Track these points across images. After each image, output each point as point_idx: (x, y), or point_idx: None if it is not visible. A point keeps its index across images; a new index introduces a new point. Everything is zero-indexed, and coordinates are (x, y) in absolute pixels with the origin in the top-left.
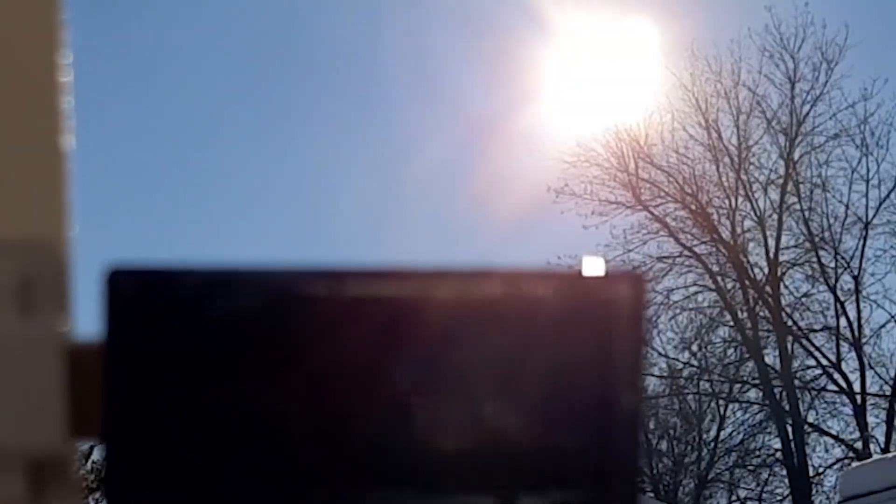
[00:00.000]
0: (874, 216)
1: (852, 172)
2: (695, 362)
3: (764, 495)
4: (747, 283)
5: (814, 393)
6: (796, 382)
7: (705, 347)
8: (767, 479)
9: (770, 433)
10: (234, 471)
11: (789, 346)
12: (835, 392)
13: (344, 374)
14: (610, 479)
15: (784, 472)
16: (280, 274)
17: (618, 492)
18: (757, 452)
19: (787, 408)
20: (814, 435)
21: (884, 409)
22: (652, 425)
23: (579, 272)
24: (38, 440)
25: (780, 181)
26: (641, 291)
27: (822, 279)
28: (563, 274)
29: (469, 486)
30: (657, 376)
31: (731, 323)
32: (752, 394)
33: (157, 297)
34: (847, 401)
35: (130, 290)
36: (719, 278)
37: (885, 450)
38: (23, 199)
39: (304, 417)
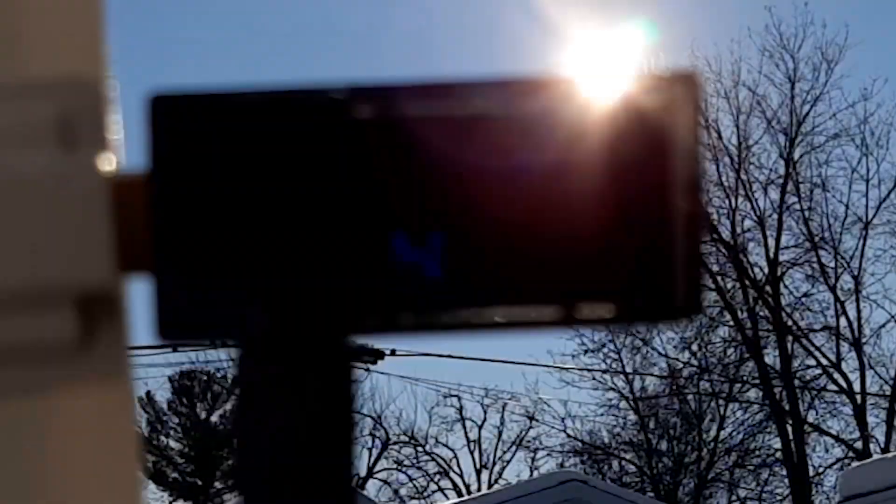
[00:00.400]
0: (874, 216)
1: (852, 172)
2: (695, 362)
3: (764, 495)
4: (747, 282)
5: (814, 393)
6: (796, 382)
7: (705, 347)
8: (767, 479)
9: (770, 433)
10: (287, 299)
11: (789, 345)
12: (835, 392)
13: (401, 196)
14: (671, 288)
15: (784, 472)
16: (330, 93)
17: (679, 299)
18: (757, 452)
19: (787, 408)
20: (814, 435)
21: (884, 408)
22: (651, 425)
23: (633, 75)
24: (86, 275)
25: (780, 181)
26: (696, 91)
27: (822, 279)
28: (616, 77)
29: (529, 297)
30: (657, 376)
31: (731, 323)
32: (752, 394)
33: (203, 121)
34: (847, 401)
35: (174, 115)
36: (719, 278)
37: (885, 450)
38: (59, 36)
39: (359, 243)
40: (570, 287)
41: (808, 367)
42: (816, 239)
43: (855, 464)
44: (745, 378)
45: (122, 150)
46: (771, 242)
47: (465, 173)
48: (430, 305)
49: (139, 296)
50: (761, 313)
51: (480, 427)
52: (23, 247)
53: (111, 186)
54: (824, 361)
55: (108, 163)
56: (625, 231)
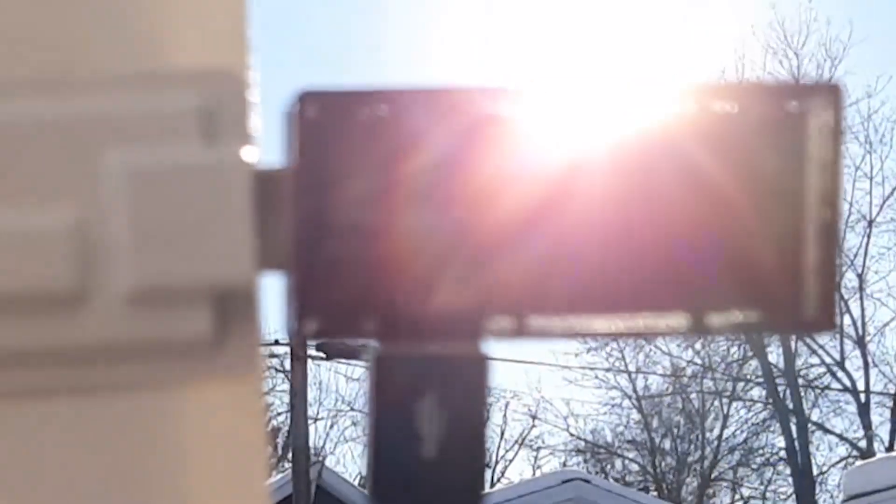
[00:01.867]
0: (878, 214)
1: (856, 170)
2: (698, 360)
3: (767, 494)
4: None
5: (818, 391)
6: (800, 381)
7: (709, 346)
8: (771, 478)
9: (774, 432)
10: (424, 296)
11: (793, 344)
12: (839, 390)
13: (534, 195)
14: (803, 300)
15: (788, 471)
16: (469, 93)
17: (812, 312)
18: (760, 451)
19: (790, 406)
20: (818, 433)
21: (888, 407)
22: (655, 424)
23: (771, 83)
24: (226, 272)
25: None
26: (839, 103)
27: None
28: (754, 85)
29: (659, 305)
30: (660, 375)
31: None
32: (756, 392)
33: (347, 119)
34: (851, 399)
35: (318, 112)
36: None
37: (890, 448)
38: (203, 26)
39: (495, 239)
40: (699, 296)
41: (812, 365)
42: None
43: (859, 462)
44: (748, 377)
45: (262, 144)
46: None
47: (601, 175)
48: (564, 311)
49: (272, 293)
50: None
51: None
52: (163, 241)
53: (253, 180)
54: (828, 360)
55: (250, 156)
56: (758, 240)
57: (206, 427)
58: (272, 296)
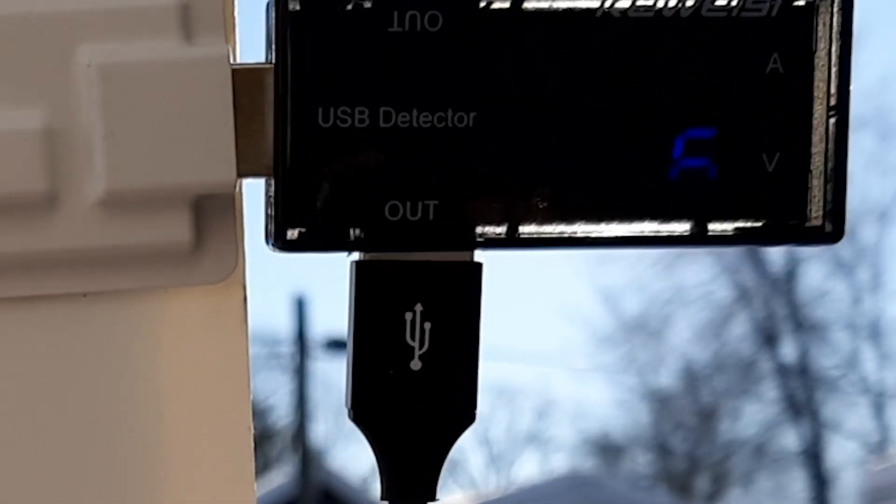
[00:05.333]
0: (893, 207)
1: (870, 162)
2: (710, 358)
3: (780, 492)
4: (763, 276)
5: (831, 388)
6: (813, 378)
7: (720, 343)
8: (783, 476)
9: (786, 429)
10: (419, 204)
11: (806, 340)
12: (852, 388)
13: (537, 98)
14: (810, 207)
15: (800, 469)
16: None
17: (818, 221)
18: (773, 449)
19: (803, 403)
20: (831, 431)
21: None
22: (666, 422)
23: None
24: (205, 175)
25: None
26: (846, 1)
27: (839, 272)
28: None
29: (658, 210)
30: (671, 373)
31: (747, 318)
32: (768, 390)
33: (331, 12)
34: (865, 396)
35: (302, 6)
36: (735, 272)
37: None
38: None
39: (494, 145)
40: (701, 202)
41: (826, 362)
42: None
43: (875, 461)
44: (760, 374)
45: (241, 40)
46: None
47: (603, 77)
48: (558, 218)
49: (255, 199)
50: (777, 308)
51: (490, 425)
52: (139, 142)
53: (233, 80)
54: (841, 356)
55: (230, 53)
56: (761, 143)
57: (186, 334)
58: (255, 202)
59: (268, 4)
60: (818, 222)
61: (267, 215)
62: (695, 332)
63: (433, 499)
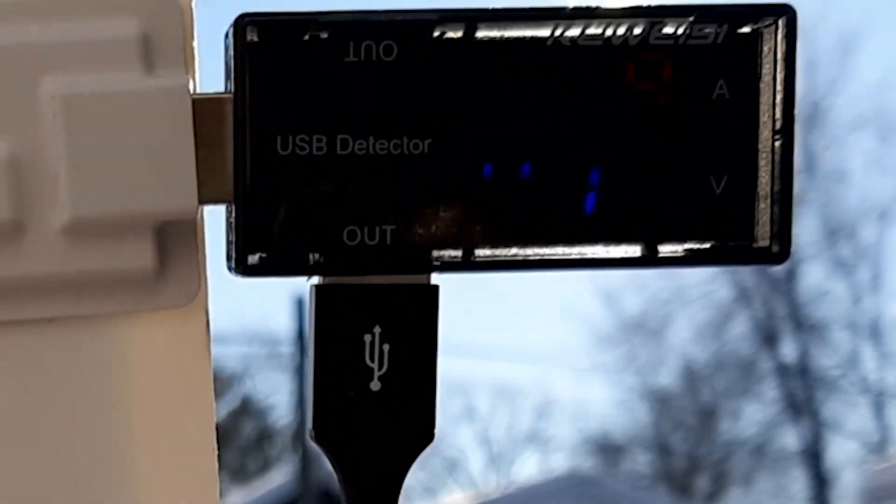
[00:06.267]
0: (893, 206)
1: (870, 162)
2: (710, 358)
3: (780, 492)
4: (763, 276)
5: (831, 388)
6: (813, 377)
7: (720, 342)
8: (783, 476)
9: (786, 429)
10: (377, 229)
11: (806, 340)
12: (853, 387)
13: (486, 121)
14: (757, 229)
15: (800, 469)
16: (416, 16)
17: (765, 242)
18: (773, 449)
19: (803, 403)
20: (831, 431)
21: None
22: (666, 422)
23: (722, 5)
24: (167, 203)
25: (797, 171)
26: (791, 25)
27: (839, 272)
28: (704, 7)
29: (611, 236)
30: (671, 372)
31: (747, 317)
32: (768, 389)
33: (289, 43)
34: (865, 396)
35: (258, 36)
36: (735, 272)
37: None
38: None
39: (449, 171)
40: (651, 225)
41: (826, 362)
42: (833, 231)
43: (876, 461)
44: (760, 374)
45: (201, 71)
46: None
47: (547, 103)
48: (514, 243)
49: (215, 226)
50: (778, 307)
51: (490, 424)
52: (102, 171)
53: (193, 108)
54: (842, 356)
55: (190, 83)
56: (708, 167)
57: (149, 360)
58: (216, 229)
59: (226, 35)
60: (765, 243)
61: (228, 241)
62: (695, 331)
63: None
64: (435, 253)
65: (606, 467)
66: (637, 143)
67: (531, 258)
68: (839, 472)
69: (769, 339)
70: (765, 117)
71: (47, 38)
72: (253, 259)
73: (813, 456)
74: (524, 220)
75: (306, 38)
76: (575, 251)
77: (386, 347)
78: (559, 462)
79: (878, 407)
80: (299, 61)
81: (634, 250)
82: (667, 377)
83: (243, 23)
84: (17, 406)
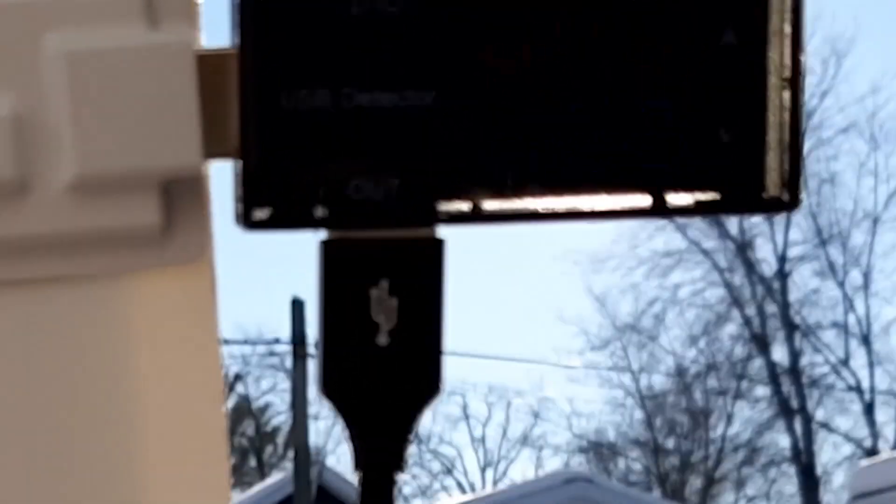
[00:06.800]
0: (883, 211)
1: (861, 167)
2: (702, 359)
3: (772, 493)
4: (755, 278)
5: (822, 390)
6: (805, 379)
7: (712, 344)
8: (775, 477)
9: (778, 431)
10: (382, 182)
11: (797, 342)
12: (843, 389)
13: (493, 75)
14: (766, 178)
15: (792, 470)
16: None
17: (775, 191)
18: (765, 450)
19: (795, 405)
20: (822, 432)
21: (893, 406)
22: (658, 423)
23: None
24: (172, 159)
25: None
26: None
27: (830, 275)
28: None
29: (619, 183)
30: (664, 373)
31: (739, 319)
32: (760, 391)
33: None
34: (856, 398)
35: None
36: (727, 274)
37: (895, 447)
38: None
39: (454, 122)
40: (659, 174)
41: (817, 364)
42: (825, 234)
43: (865, 461)
44: (752, 375)
45: (206, 26)
46: (779, 238)
47: (555, 50)
48: (521, 193)
49: (222, 181)
50: (769, 309)
51: (485, 425)
52: (106, 127)
53: (197, 64)
54: (833, 358)
55: (195, 39)
56: (717, 116)
57: (156, 317)
58: (222, 184)
59: None
60: (776, 192)
61: (234, 196)
62: (687, 333)
63: (402, 469)
64: (441, 206)
65: (599, 466)
66: (643, 91)
67: (539, 209)
68: (829, 472)
69: (761, 341)
70: (773, 66)
71: None
72: (259, 213)
73: (803, 456)
74: (530, 170)
75: None
76: (583, 201)
77: (393, 301)
78: (552, 461)
79: (869, 408)
80: (304, 15)
81: (643, 200)
82: (659, 378)
83: None
84: (22, 366)
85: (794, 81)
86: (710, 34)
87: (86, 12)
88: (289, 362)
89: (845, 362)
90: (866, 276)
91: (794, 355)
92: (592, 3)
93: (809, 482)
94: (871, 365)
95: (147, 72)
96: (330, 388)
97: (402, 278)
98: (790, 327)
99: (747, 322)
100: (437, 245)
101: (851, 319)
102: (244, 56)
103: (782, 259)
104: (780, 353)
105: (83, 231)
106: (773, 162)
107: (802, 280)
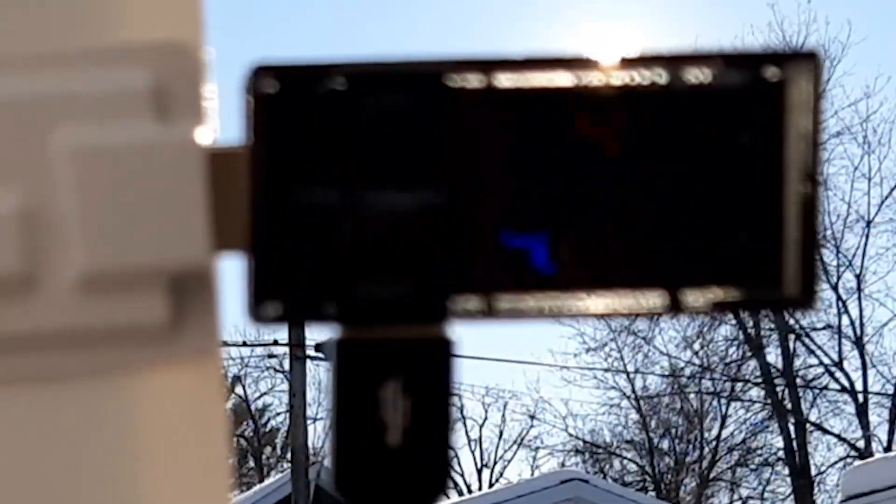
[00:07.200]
0: (876, 214)
1: (854, 170)
2: (697, 361)
3: (766, 494)
4: None
5: (816, 391)
6: (798, 381)
7: (707, 346)
8: (769, 478)
9: (772, 432)
10: (387, 278)
11: (791, 344)
12: (837, 391)
13: (507, 171)
14: (783, 276)
15: (786, 472)
16: (432, 65)
17: (792, 289)
18: (759, 451)
19: (789, 406)
20: (816, 434)
21: (886, 407)
22: (653, 424)
23: (747, 51)
24: (180, 254)
25: None
26: (818, 71)
27: (824, 277)
28: (729, 53)
29: (634, 283)
30: (659, 375)
31: (733, 321)
32: (754, 392)
33: (305, 94)
34: (849, 399)
35: (275, 87)
36: None
37: (888, 449)
38: (155, 1)
39: (460, 217)
40: (675, 273)
41: (811, 365)
42: (818, 237)
43: (857, 463)
44: (746, 377)
45: (217, 122)
46: None
47: (570, 151)
48: (535, 291)
49: (231, 275)
50: (763, 312)
51: (481, 426)
52: (115, 224)
53: (207, 160)
54: (826, 360)
55: (204, 135)
56: (735, 215)
57: (164, 415)
58: (232, 279)
59: (242, 86)
60: (793, 291)
61: (244, 290)
62: (682, 335)
63: None
64: (454, 303)
65: (594, 467)
66: (659, 190)
67: (553, 307)
68: (823, 473)
69: (755, 343)
70: (791, 165)
71: (58, 89)
72: (268, 308)
73: (797, 457)
74: (544, 269)
75: (324, 90)
76: (599, 300)
77: (404, 401)
78: (549, 462)
79: (862, 409)
80: (316, 113)
81: (658, 299)
82: (654, 380)
83: (259, 74)
84: (29, 466)
85: (813, 181)
86: (728, 135)
87: (94, 107)
88: (287, 364)
89: (839, 364)
90: (859, 279)
91: (788, 357)
92: (607, 106)
93: (803, 483)
94: (864, 367)
95: (156, 167)
96: (343, 487)
97: (414, 378)
98: (784, 329)
99: (741, 324)
100: (449, 344)
101: (845, 322)
102: (256, 152)
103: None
104: (773, 355)
105: (91, 327)
106: (791, 262)
107: None
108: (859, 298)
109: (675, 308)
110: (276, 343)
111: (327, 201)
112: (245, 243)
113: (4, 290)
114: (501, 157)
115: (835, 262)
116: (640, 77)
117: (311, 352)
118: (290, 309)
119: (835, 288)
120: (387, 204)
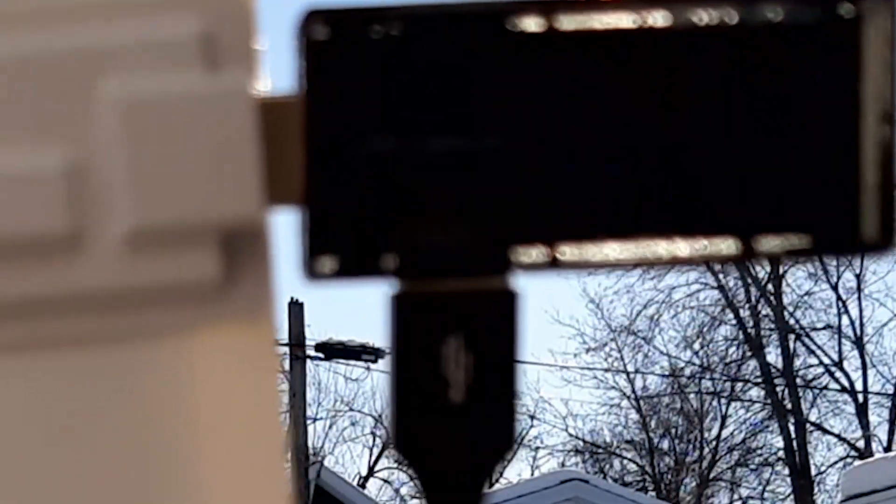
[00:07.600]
0: None
1: None
2: (697, 361)
3: (766, 494)
4: (749, 280)
5: (816, 391)
6: (798, 381)
7: (707, 346)
8: (769, 478)
9: (772, 432)
10: (447, 229)
11: (791, 344)
12: (837, 391)
13: (569, 117)
14: (860, 219)
15: (786, 471)
16: (491, 7)
17: (869, 232)
18: (759, 451)
19: (789, 406)
20: (816, 434)
21: (886, 407)
22: (653, 424)
23: None
24: (232, 209)
25: None
26: (892, 11)
27: (824, 277)
28: None
29: (705, 228)
30: (658, 375)
31: (733, 321)
32: (754, 392)
33: (359, 40)
34: (849, 399)
35: (328, 33)
36: (721, 276)
37: (888, 448)
38: None
39: (527, 166)
40: (749, 219)
41: (811, 365)
42: None
43: (857, 463)
44: (746, 377)
45: (267, 70)
46: None
47: (635, 95)
48: (600, 240)
49: (286, 230)
50: (763, 312)
51: None
52: (164, 178)
53: (259, 110)
54: (826, 360)
55: (255, 85)
56: (810, 158)
57: (216, 377)
58: (286, 233)
59: (293, 34)
60: (870, 234)
61: (298, 245)
62: (682, 335)
63: None
64: (516, 254)
65: (595, 467)
66: (729, 133)
67: (620, 257)
68: (823, 473)
69: (755, 342)
70: (867, 105)
71: (105, 40)
72: (323, 264)
73: (797, 457)
74: (611, 215)
75: (377, 35)
76: (668, 247)
77: (467, 357)
78: (549, 462)
79: (861, 409)
80: (370, 60)
81: (730, 245)
82: (654, 380)
83: (310, 20)
84: (82, 424)
85: (890, 119)
86: (801, 75)
87: (142, 57)
88: (286, 364)
89: (839, 364)
90: (859, 279)
91: (788, 357)
92: (675, 47)
93: (803, 483)
94: (864, 367)
95: (206, 119)
96: (403, 446)
97: (476, 333)
98: (784, 329)
99: (741, 324)
100: (513, 297)
101: (845, 321)
102: (310, 102)
103: (776, 261)
104: (773, 355)
105: (140, 286)
106: (868, 203)
107: (796, 282)
108: (859, 298)
109: (749, 254)
110: (275, 343)
111: (384, 150)
112: (299, 197)
113: (51, 250)
114: (564, 101)
115: (835, 262)
116: (709, 17)
117: (310, 352)
118: (347, 263)
119: (835, 288)
120: (445, 152)
